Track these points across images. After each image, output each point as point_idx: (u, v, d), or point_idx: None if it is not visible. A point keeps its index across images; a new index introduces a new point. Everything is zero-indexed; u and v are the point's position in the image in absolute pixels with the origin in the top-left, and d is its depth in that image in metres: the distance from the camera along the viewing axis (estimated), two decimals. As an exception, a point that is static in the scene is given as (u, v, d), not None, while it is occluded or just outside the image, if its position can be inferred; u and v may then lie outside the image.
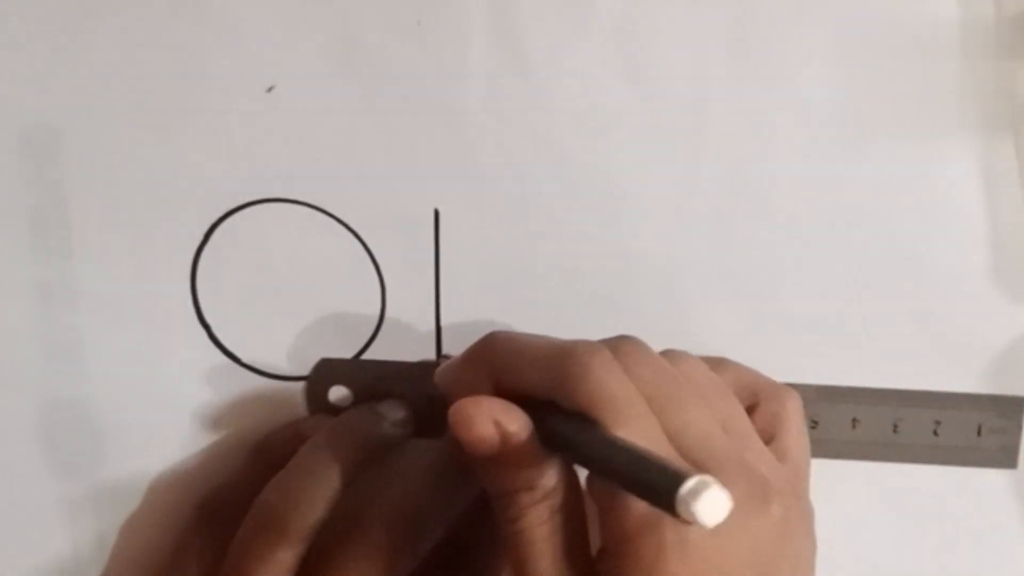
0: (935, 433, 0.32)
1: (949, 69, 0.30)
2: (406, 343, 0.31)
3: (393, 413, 0.30)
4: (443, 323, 0.31)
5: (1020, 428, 0.31)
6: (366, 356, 0.32)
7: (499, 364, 0.26)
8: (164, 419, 0.31)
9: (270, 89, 0.30)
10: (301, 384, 0.32)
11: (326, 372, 0.32)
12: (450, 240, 0.31)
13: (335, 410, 0.31)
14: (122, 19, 0.30)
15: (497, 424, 0.25)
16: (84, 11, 0.30)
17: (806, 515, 0.27)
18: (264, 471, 0.29)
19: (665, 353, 0.27)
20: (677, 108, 0.30)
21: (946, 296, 0.31)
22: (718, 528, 0.19)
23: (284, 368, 0.32)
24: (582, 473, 0.25)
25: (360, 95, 0.30)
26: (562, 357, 0.25)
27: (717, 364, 0.29)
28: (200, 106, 0.30)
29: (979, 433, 0.32)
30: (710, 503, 0.20)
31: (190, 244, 0.31)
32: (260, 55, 0.30)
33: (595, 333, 0.31)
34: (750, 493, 0.24)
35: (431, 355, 0.31)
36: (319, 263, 0.31)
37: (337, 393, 0.32)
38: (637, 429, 0.24)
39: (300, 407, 0.32)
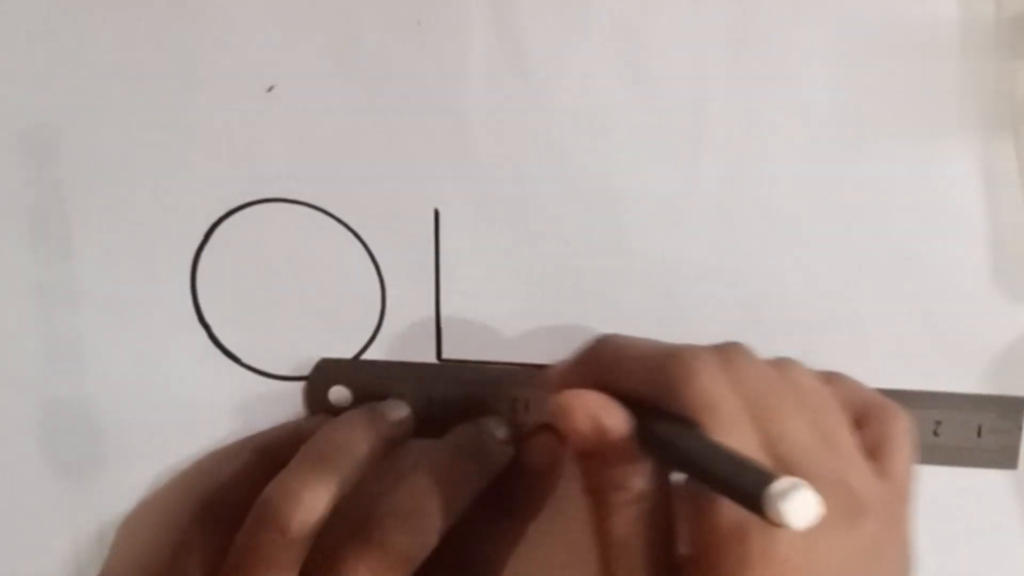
0: (935, 433, 0.32)
1: (949, 69, 0.30)
2: (406, 343, 0.31)
3: (394, 413, 0.30)
4: (443, 323, 0.31)
5: (1020, 428, 0.31)
6: (366, 356, 0.32)
7: (606, 364, 0.27)
8: (164, 419, 0.31)
9: (270, 89, 0.30)
10: (301, 384, 0.32)
11: (326, 372, 0.32)
12: (450, 240, 0.31)
13: (335, 410, 0.31)
14: (122, 19, 0.30)
15: (595, 419, 0.25)
16: (84, 11, 0.30)
17: (901, 539, 0.26)
18: (265, 471, 0.29)
19: (775, 361, 0.27)
20: (677, 108, 0.30)
21: (946, 296, 0.31)
22: (805, 541, 0.19)
23: (284, 368, 0.32)
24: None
25: (360, 95, 0.30)
26: (667, 359, 0.25)
27: (828, 377, 0.28)
28: (200, 106, 0.30)
29: (979, 434, 0.32)
30: (798, 505, 0.20)
31: (190, 244, 0.31)
32: (260, 55, 0.30)
33: (595, 333, 0.31)
34: (842, 507, 0.24)
35: (431, 355, 0.31)
36: (319, 263, 0.31)
37: (337, 393, 0.32)
38: (734, 435, 0.24)
39: (300, 407, 0.32)
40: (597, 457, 0.25)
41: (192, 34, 0.30)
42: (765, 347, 0.26)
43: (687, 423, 0.24)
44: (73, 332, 0.31)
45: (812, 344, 0.31)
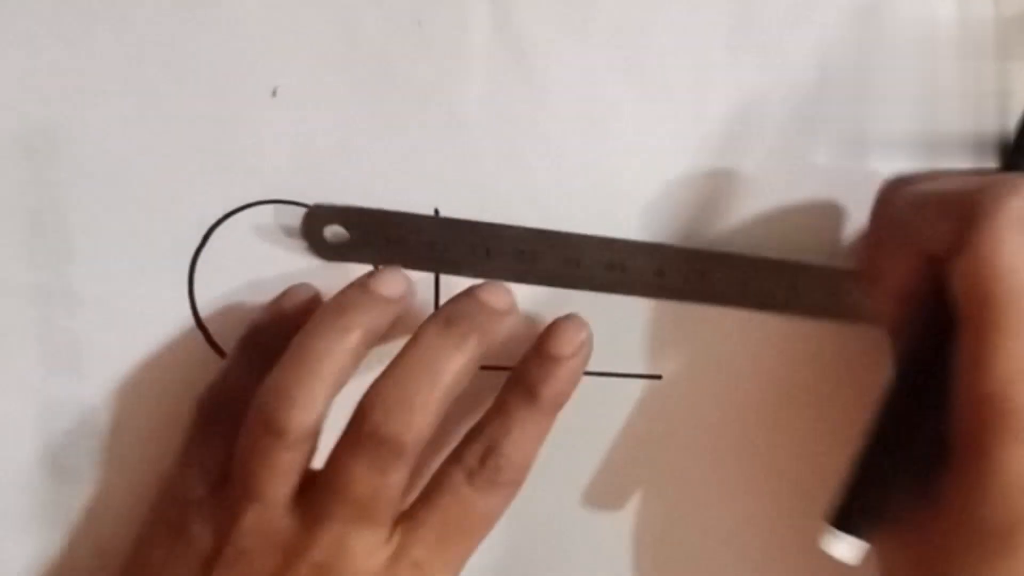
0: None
1: (948, 69, 0.30)
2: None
3: (390, 288, 0.28)
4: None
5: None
6: (366, 357, 0.31)
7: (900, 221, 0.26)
8: (162, 421, 0.31)
9: (274, 92, 0.30)
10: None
11: (319, 217, 0.30)
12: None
13: (331, 248, 0.31)
14: (122, 19, 0.30)
15: None
16: (84, 11, 0.30)
17: None
18: (254, 362, 0.28)
19: None
20: (677, 108, 0.30)
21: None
22: None
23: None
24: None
25: (360, 95, 0.30)
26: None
27: None
28: (199, 107, 0.30)
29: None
30: None
31: (189, 246, 0.31)
32: (260, 56, 0.30)
33: (595, 332, 0.31)
34: None
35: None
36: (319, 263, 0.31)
37: (333, 230, 0.31)
38: None
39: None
40: None
41: (192, 35, 0.30)
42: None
43: None
44: (71, 334, 0.31)
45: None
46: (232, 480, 0.27)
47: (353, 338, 0.27)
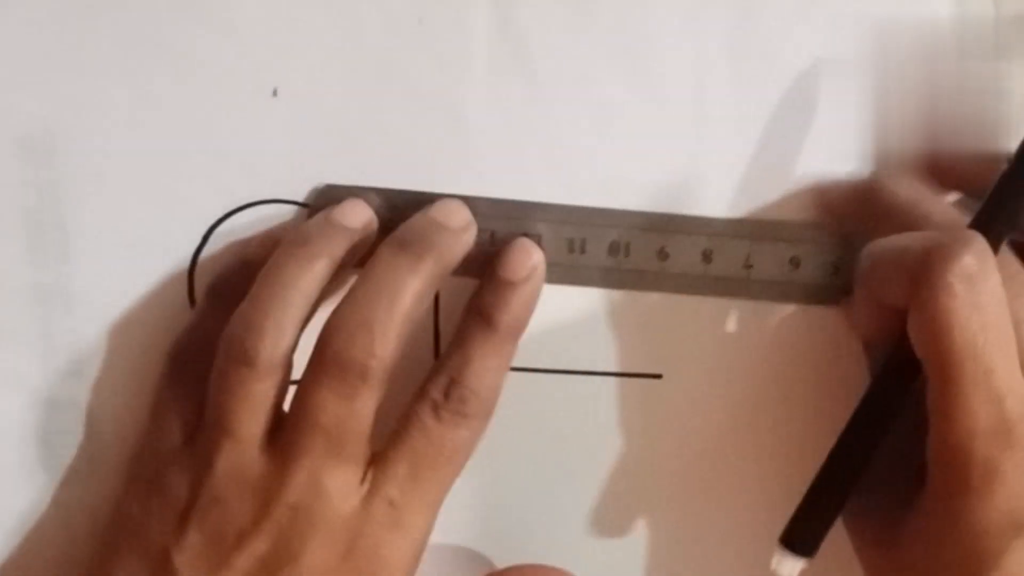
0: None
1: (947, 69, 0.30)
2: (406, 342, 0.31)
3: (353, 218, 0.29)
4: (442, 324, 0.31)
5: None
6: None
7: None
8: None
9: (275, 92, 0.30)
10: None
11: (330, 198, 0.30)
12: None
13: None
14: (122, 19, 0.30)
15: None
16: (83, 11, 0.30)
17: None
18: (222, 310, 0.28)
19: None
20: (677, 108, 0.30)
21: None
22: None
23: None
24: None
25: (360, 94, 0.30)
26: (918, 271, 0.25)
27: None
28: (199, 107, 0.30)
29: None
30: None
31: (188, 246, 0.31)
32: (260, 56, 0.30)
33: (595, 332, 0.31)
34: None
35: (430, 355, 0.31)
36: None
37: None
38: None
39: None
40: None
41: (192, 34, 0.30)
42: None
43: None
44: (70, 335, 0.31)
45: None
46: (206, 421, 0.27)
47: (318, 266, 0.27)
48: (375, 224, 0.29)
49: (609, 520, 0.31)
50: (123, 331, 0.31)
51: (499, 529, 0.31)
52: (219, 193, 0.31)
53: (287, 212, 0.31)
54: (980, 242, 0.25)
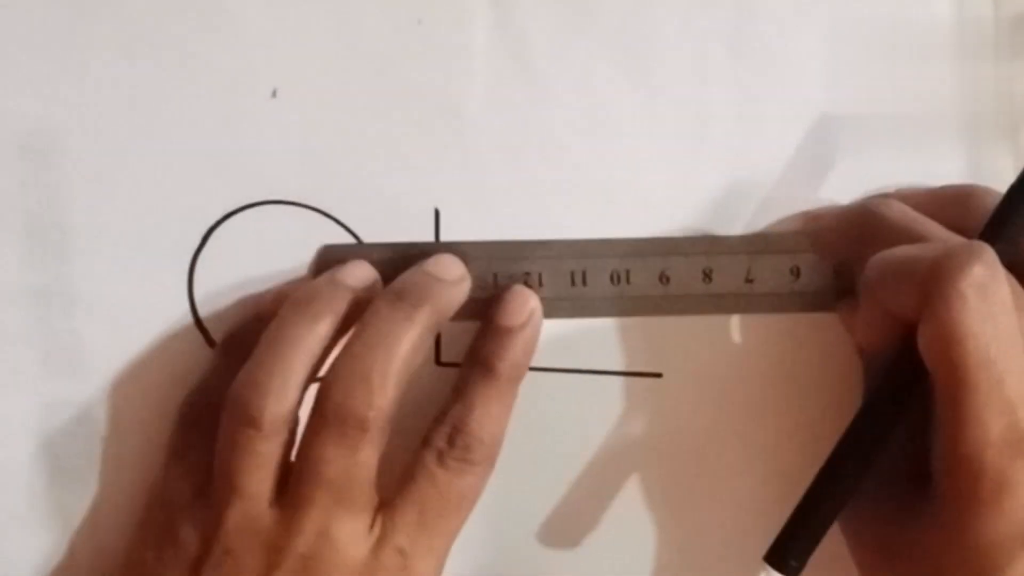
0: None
1: (947, 69, 0.30)
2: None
3: (355, 278, 0.29)
4: (444, 327, 0.31)
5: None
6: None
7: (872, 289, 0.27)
8: (162, 422, 0.31)
9: (275, 92, 0.30)
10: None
11: (330, 259, 0.30)
12: (450, 240, 0.31)
13: None
14: (122, 20, 0.30)
15: None
16: (84, 12, 0.30)
17: None
18: (233, 365, 0.28)
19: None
20: (677, 108, 0.30)
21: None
22: None
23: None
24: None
25: (360, 94, 0.30)
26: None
27: None
28: (198, 108, 0.30)
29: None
30: None
31: (188, 247, 0.31)
32: (260, 56, 0.30)
33: (595, 332, 0.31)
34: None
35: (429, 356, 0.31)
36: (319, 264, 0.31)
37: None
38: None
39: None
40: None
41: (192, 34, 0.30)
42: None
43: None
44: (71, 336, 0.31)
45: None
46: (215, 477, 0.27)
47: (322, 327, 0.27)
48: (379, 284, 0.30)
49: (608, 519, 0.31)
50: (123, 331, 0.31)
51: (499, 528, 0.31)
52: (219, 193, 0.31)
53: (287, 212, 0.31)
54: (990, 253, 0.24)
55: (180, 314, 0.31)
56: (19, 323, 0.31)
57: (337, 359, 0.27)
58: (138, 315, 0.31)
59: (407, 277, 0.29)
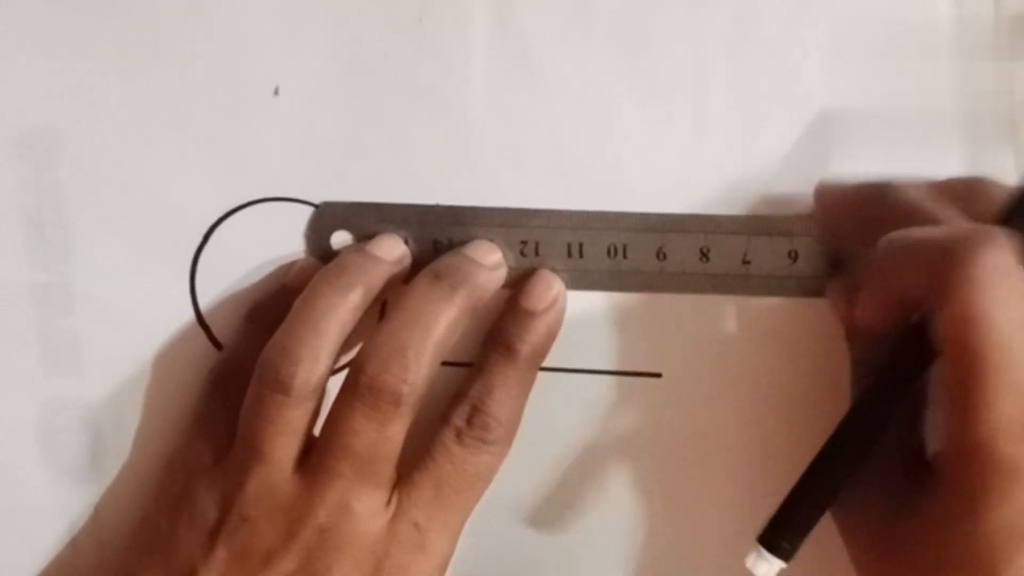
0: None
1: (947, 69, 0.30)
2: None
3: (387, 252, 0.29)
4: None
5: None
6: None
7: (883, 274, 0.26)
8: (163, 420, 0.31)
9: (276, 92, 0.30)
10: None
11: (328, 217, 0.31)
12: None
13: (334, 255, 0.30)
14: (122, 19, 0.30)
15: None
16: (84, 12, 0.30)
17: None
18: (261, 334, 0.28)
19: None
20: (677, 108, 0.30)
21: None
22: None
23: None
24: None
25: (361, 93, 0.30)
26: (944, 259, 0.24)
27: None
28: (199, 106, 0.30)
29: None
30: None
31: (190, 244, 0.31)
32: (260, 55, 0.30)
33: (594, 331, 0.31)
34: None
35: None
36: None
37: (340, 238, 0.31)
38: None
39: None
40: None
41: (193, 34, 0.30)
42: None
43: None
44: (72, 334, 0.31)
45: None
46: (238, 442, 0.28)
47: (354, 296, 0.28)
48: (408, 259, 0.30)
49: (608, 517, 0.32)
50: (123, 331, 0.31)
51: (498, 527, 0.31)
52: (219, 193, 0.31)
53: (288, 210, 0.31)
54: (1004, 237, 0.24)
55: (182, 312, 0.31)
56: (19, 322, 0.31)
57: (375, 334, 0.27)
58: (140, 313, 0.31)
59: (447, 259, 0.29)
